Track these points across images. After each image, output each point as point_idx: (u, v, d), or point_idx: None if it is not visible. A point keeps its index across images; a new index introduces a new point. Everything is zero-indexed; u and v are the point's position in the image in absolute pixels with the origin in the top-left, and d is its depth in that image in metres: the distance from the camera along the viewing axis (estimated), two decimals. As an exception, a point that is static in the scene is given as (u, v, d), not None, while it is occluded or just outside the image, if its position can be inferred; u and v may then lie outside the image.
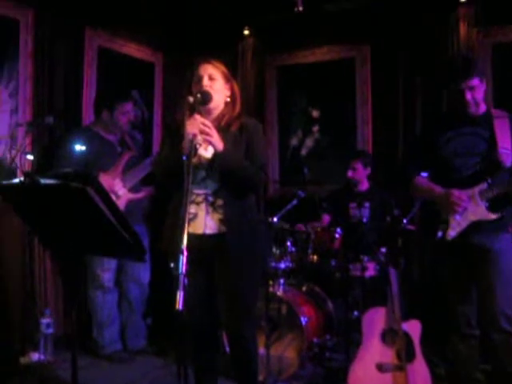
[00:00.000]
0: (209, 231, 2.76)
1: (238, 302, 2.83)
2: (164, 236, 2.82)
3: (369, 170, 4.66)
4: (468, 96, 2.96)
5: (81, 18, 4.66)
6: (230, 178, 2.73)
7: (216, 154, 2.69)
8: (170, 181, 2.77)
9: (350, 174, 4.64)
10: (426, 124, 4.41)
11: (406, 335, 3.24)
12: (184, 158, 2.44)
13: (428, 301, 4.37)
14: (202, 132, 2.58)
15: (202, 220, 2.75)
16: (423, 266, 4.78)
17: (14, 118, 4.19)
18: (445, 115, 3.77)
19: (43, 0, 4.33)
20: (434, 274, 4.34)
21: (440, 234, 2.98)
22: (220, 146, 2.67)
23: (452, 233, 2.95)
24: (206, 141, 2.64)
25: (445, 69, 3.24)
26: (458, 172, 3.00)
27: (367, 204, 4.47)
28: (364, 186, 4.68)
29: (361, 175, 4.64)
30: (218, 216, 2.75)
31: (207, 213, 2.76)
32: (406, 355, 3.20)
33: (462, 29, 4.68)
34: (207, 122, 2.63)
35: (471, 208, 2.93)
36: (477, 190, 2.94)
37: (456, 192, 2.93)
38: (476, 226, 2.93)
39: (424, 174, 3.17)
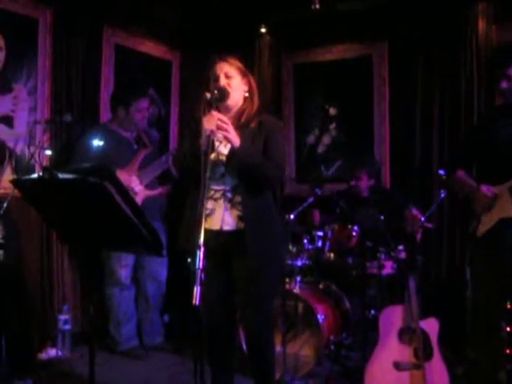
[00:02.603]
0: (226, 227, 2.76)
1: (255, 299, 2.82)
2: (181, 231, 2.82)
3: (372, 182, 4.65)
4: (503, 84, 2.87)
5: (98, 16, 4.68)
6: (246, 175, 2.73)
7: (232, 150, 2.69)
8: (188, 177, 2.77)
9: (353, 182, 4.65)
10: (481, 116, 4.35)
11: (424, 333, 3.21)
12: (202, 154, 2.45)
13: (446, 299, 4.34)
14: (218, 128, 2.58)
15: (220, 216, 2.76)
16: (441, 263, 4.75)
17: (32, 116, 4.21)
18: (498, 105, 3.68)
19: (62, -1, 4.36)
20: (458, 272, 4.30)
21: (470, 230, 2.93)
22: (236, 142, 2.66)
23: (482, 229, 2.89)
24: (223, 136, 2.64)
25: (498, 56, 3.17)
26: (496, 165, 2.93)
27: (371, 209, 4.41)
28: (364, 194, 4.66)
29: (364, 185, 4.63)
30: (236, 212, 2.75)
31: (225, 209, 2.76)
32: (423, 354, 3.17)
33: (481, 25, 4.64)
34: (224, 118, 2.63)
35: (502, 204, 2.85)
36: (507, 186, 2.87)
37: (484, 188, 2.86)
38: (506, 223, 2.87)
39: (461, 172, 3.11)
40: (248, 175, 2.73)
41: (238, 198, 2.75)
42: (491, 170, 2.96)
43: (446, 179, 3.27)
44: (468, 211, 3.02)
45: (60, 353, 4.03)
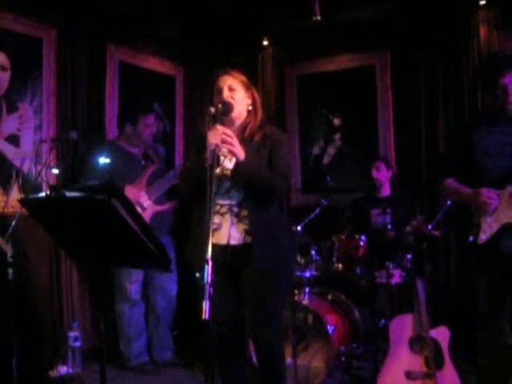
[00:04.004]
0: (233, 242, 2.76)
1: (264, 312, 2.81)
2: (188, 246, 2.83)
3: (391, 173, 4.65)
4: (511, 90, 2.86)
5: (102, 34, 4.73)
6: (252, 188, 2.73)
7: (237, 164, 2.70)
8: (194, 192, 2.77)
9: (374, 173, 4.61)
10: (461, 123, 4.32)
11: (434, 342, 3.20)
12: (207, 168, 2.45)
13: (456, 306, 4.31)
14: (223, 142, 2.59)
15: (227, 231, 2.76)
16: (449, 272, 4.73)
17: (38, 135, 4.24)
18: (480, 113, 3.65)
19: (65, 18, 4.39)
20: (465, 280, 4.27)
21: (471, 238, 2.90)
22: (241, 155, 2.67)
23: (483, 236, 2.85)
24: (228, 150, 2.65)
25: (486, 64, 3.15)
26: (489, 174, 2.91)
27: (389, 210, 4.39)
28: (386, 191, 4.64)
29: (384, 177, 4.61)
30: (243, 226, 2.76)
31: (232, 224, 2.76)
32: (434, 362, 3.16)
33: (483, 32, 4.66)
34: (229, 132, 2.64)
35: (503, 209, 2.82)
36: (508, 190, 2.85)
37: (485, 190, 2.83)
38: (508, 230, 2.85)
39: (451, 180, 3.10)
40: (254, 188, 2.73)
41: (245, 212, 2.75)
42: (479, 181, 2.94)
43: (433, 190, 3.25)
44: (466, 219, 3.00)
45: (71, 370, 4.02)
